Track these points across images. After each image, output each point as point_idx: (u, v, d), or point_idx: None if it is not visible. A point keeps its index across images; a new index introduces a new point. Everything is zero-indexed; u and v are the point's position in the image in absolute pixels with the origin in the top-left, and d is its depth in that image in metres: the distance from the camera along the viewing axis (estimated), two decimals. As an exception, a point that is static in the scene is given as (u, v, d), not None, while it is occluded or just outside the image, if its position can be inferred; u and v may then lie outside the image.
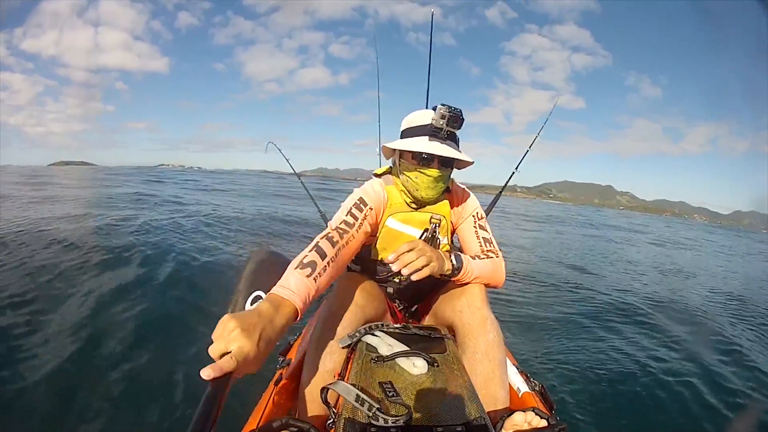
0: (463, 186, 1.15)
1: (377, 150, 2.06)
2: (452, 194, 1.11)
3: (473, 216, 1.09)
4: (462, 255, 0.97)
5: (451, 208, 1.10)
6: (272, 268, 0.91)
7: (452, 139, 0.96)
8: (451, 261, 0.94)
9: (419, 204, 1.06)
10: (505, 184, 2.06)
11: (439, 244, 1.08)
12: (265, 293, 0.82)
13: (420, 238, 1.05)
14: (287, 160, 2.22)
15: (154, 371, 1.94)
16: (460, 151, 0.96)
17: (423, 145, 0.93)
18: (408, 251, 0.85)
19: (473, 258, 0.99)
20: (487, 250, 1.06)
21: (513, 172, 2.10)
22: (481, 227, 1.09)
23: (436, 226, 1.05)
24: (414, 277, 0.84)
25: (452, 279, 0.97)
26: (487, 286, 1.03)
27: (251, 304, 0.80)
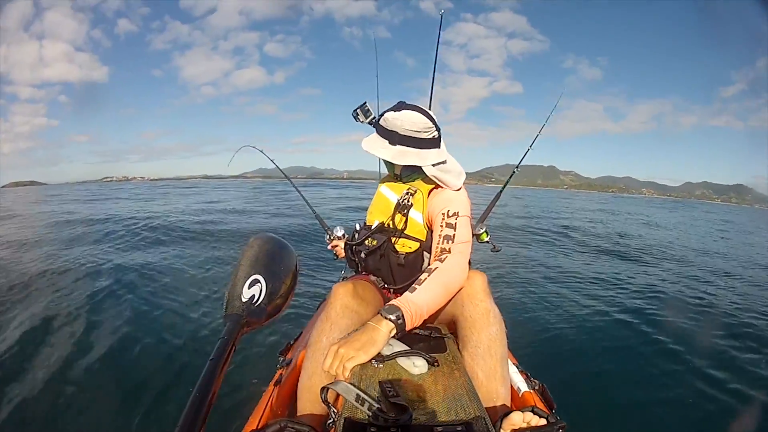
0: (457, 186, 1.12)
1: None
2: (437, 186, 1.13)
3: (442, 213, 1.07)
4: (399, 300, 0.89)
5: (428, 194, 1.12)
6: (271, 254, 0.90)
7: (401, 141, 1.04)
8: (388, 318, 0.85)
9: (398, 177, 1.20)
10: (505, 185, 2.09)
11: (408, 213, 1.10)
12: (264, 278, 0.82)
13: (396, 202, 1.12)
14: (272, 161, 2.22)
15: (143, 370, 1.94)
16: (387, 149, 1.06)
17: (367, 138, 1.11)
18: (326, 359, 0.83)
19: (414, 288, 0.92)
20: (441, 249, 1.01)
21: (513, 172, 2.13)
22: (448, 225, 1.04)
23: (409, 194, 1.12)
24: (348, 366, 0.80)
25: (407, 330, 0.88)
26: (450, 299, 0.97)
27: (249, 288, 0.80)
